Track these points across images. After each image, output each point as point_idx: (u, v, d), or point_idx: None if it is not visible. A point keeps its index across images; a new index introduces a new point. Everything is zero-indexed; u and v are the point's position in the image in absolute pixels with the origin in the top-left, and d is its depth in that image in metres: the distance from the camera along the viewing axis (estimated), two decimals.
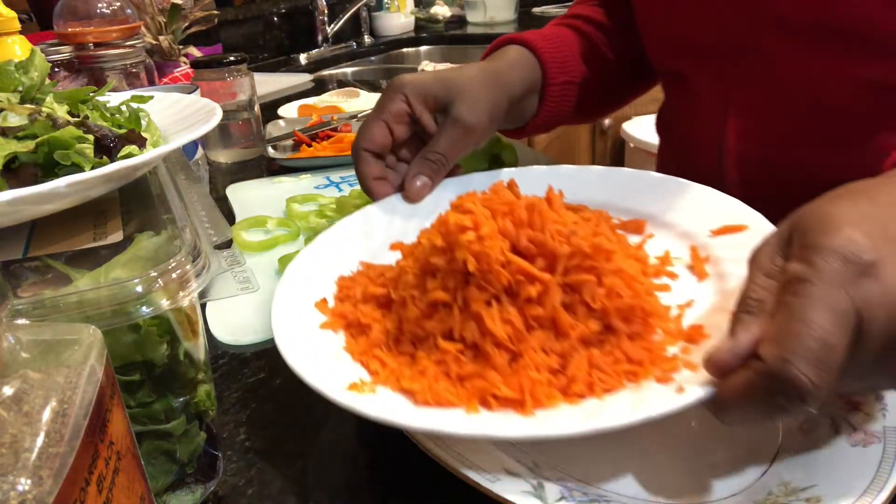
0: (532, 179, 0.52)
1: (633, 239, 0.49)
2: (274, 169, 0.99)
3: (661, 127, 0.77)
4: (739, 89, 0.59)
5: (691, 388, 0.33)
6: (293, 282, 0.46)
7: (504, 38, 0.68)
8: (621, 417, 0.33)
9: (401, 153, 0.57)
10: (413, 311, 0.41)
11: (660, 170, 0.67)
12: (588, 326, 0.38)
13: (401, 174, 0.56)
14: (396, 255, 0.48)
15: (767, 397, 0.29)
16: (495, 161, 0.71)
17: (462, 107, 0.55)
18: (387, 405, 0.36)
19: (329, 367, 0.39)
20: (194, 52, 1.32)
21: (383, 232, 0.53)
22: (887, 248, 0.30)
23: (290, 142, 1.05)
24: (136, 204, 0.43)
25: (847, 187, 0.34)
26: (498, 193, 0.43)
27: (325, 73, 1.94)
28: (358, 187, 0.86)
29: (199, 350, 0.38)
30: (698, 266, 0.45)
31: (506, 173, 0.56)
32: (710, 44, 0.60)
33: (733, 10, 0.57)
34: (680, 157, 0.72)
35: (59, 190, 0.35)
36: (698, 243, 0.46)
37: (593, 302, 0.39)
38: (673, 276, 0.45)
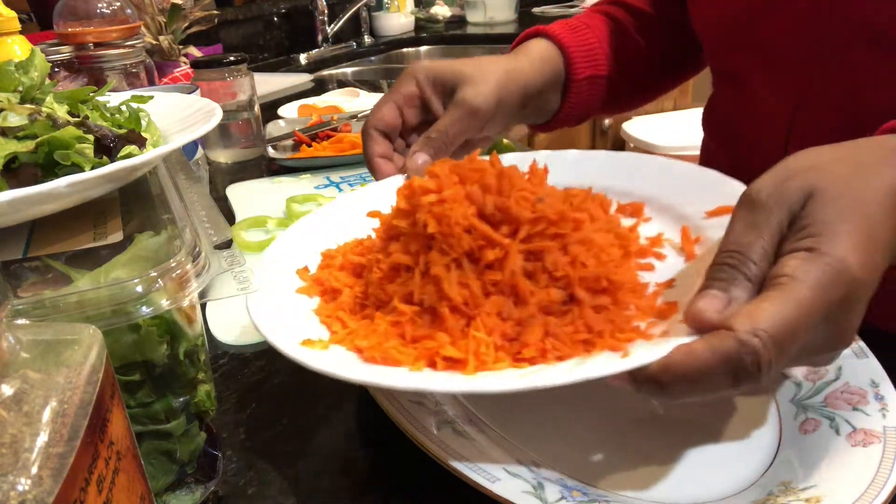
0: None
1: (629, 221, 0.48)
2: (274, 169, 0.99)
3: (709, 121, 0.73)
4: (811, 99, 0.56)
5: (638, 353, 0.32)
6: (279, 251, 0.47)
7: (532, 29, 0.67)
8: (556, 377, 0.32)
9: (410, 139, 0.58)
10: (376, 273, 0.41)
11: (704, 165, 0.61)
12: (549, 294, 0.37)
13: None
14: None
15: (729, 369, 0.30)
16: None
17: (468, 90, 0.56)
18: (333, 360, 0.36)
19: (293, 326, 0.40)
20: (194, 52, 1.32)
21: (380, 210, 0.52)
22: (871, 276, 0.32)
23: (290, 142, 1.05)
24: (136, 204, 0.43)
25: (853, 168, 0.34)
26: (473, 161, 0.43)
27: (325, 73, 1.94)
28: (357, 188, 0.86)
29: (199, 350, 0.38)
30: (688, 247, 0.44)
31: (509, 158, 0.55)
32: (784, 49, 0.57)
33: (820, 17, 0.53)
34: (734, 155, 0.68)
35: (59, 190, 0.35)
36: (692, 225, 0.45)
37: (555, 270, 0.38)
38: (660, 256, 0.44)
